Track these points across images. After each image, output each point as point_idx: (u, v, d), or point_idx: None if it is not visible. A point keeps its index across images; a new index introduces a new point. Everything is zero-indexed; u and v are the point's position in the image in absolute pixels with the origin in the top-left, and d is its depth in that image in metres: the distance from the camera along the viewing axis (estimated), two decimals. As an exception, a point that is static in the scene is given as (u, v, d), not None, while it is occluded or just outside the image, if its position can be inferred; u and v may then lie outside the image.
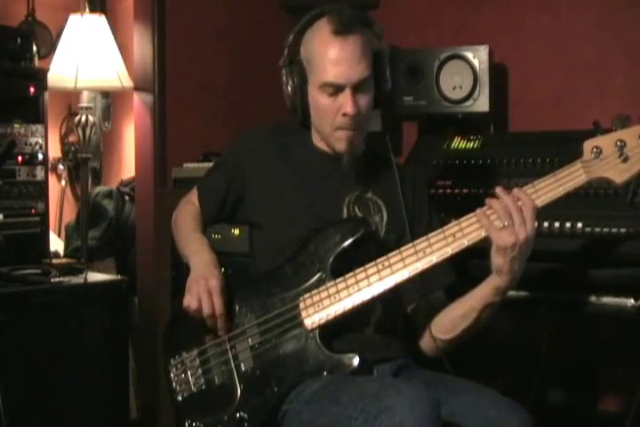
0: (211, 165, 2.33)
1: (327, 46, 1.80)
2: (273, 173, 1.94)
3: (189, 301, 1.79)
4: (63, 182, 3.86)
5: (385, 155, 1.94)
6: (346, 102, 1.80)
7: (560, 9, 2.82)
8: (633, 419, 2.03)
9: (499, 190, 1.68)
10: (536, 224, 1.66)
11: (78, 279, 2.62)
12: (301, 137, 1.95)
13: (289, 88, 1.88)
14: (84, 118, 3.13)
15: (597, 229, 2.03)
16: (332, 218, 1.86)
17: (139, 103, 3.02)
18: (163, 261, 2.73)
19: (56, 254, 3.05)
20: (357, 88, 1.81)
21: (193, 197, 2.09)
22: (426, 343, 1.89)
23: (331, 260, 1.76)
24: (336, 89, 1.81)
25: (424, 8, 3.15)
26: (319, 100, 1.84)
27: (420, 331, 1.89)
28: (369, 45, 1.82)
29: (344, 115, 1.81)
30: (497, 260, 1.67)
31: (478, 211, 1.68)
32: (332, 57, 1.80)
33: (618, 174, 1.64)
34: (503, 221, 1.64)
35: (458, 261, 1.84)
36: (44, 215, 2.76)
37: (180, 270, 1.92)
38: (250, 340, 1.79)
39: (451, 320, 1.83)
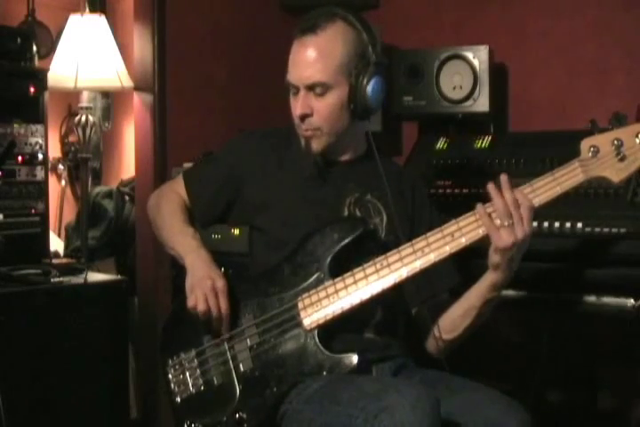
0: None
1: (293, 46, 1.84)
2: (271, 176, 1.93)
3: (196, 301, 1.77)
4: (63, 182, 3.87)
5: (383, 157, 1.93)
6: (296, 103, 1.83)
7: (560, 9, 2.82)
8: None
9: (490, 188, 1.66)
10: (535, 224, 1.65)
11: (78, 279, 2.61)
12: (298, 140, 1.92)
13: None
14: (83, 118, 3.13)
15: (597, 229, 2.03)
16: None
17: (139, 103, 3.02)
18: (163, 261, 2.74)
19: (56, 254, 3.05)
20: (313, 91, 1.81)
21: (178, 186, 2.05)
22: (429, 344, 1.89)
23: (329, 259, 1.76)
24: (295, 89, 1.83)
25: (424, 8, 3.15)
26: (289, 98, 1.87)
27: (423, 333, 1.89)
28: (336, 50, 1.79)
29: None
30: (495, 258, 1.67)
31: (478, 208, 1.67)
32: (291, 57, 1.84)
33: (615, 173, 1.63)
34: (503, 221, 1.64)
35: (460, 262, 1.84)
36: (44, 215, 2.76)
37: (180, 270, 1.91)
38: (249, 340, 1.78)
39: (452, 320, 1.83)
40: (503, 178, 1.66)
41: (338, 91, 1.81)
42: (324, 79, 1.79)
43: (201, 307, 1.77)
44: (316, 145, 1.86)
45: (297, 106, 1.83)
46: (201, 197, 2.02)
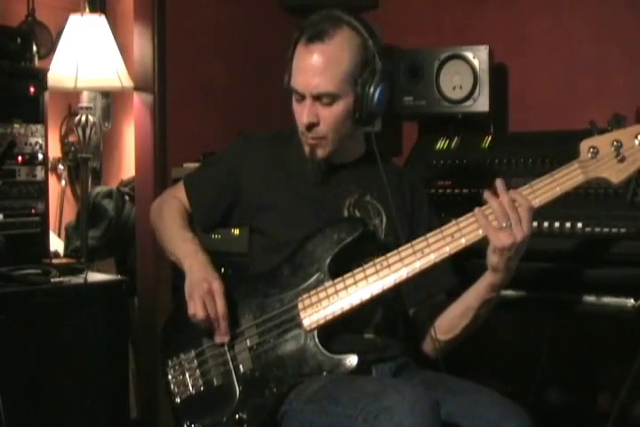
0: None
1: (298, 52, 1.82)
2: (271, 178, 1.93)
3: (195, 308, 1.78)
4: (63, 182, 3.86)
5: (383, 157, 1.93)
6: (302, 111, 1.82)
7: (560, 9, 2.82)
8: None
9: (486, 193, 1.67)
10: (535, 224, 1.65)
11: (78, 279, 2.61)
12: (299, 143, 1.91)
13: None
14: (83, 118, 3.13)
15: (597, 229, 2.03)
16: None
17: (139, 103, 3.02)
18: (163, 261, 2.73)
19: (56, 254, 3.05)
20: (319, 100, 1.80)
21: (179, 192, 2.06)
22: (427, 345, 1.89)
23: (329, 260, 1.76)
24: (300, 96, 1.82)
25: (424, 8, 3.15)
26: (292, 104, 1.87)
27: (421, 333, 1.89)
28: (343, 59, 1.78)
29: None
30: (493, 259, 1.67)
31: (477, 210, 1.68)
32: (297, 64, 1.82)
33: (614, 174, 1.64)
34: (501, 222, 1.64)
35: (458, 262, 1.84)
36: (44, 215, 2.75)
37: (180, 270, 1.91)
38: (248, 341, 1.79)
39: (450, 321, 1.83)
40: (498, 181, 1.67)
41: (344, 100, 1.80)
42: (332, 89, 1.78)
43: (200, 314, 1.77)
44: (322, 152, 1.86)
45: (303, 114, 1.82)
46: (201, 202, 2.02)
